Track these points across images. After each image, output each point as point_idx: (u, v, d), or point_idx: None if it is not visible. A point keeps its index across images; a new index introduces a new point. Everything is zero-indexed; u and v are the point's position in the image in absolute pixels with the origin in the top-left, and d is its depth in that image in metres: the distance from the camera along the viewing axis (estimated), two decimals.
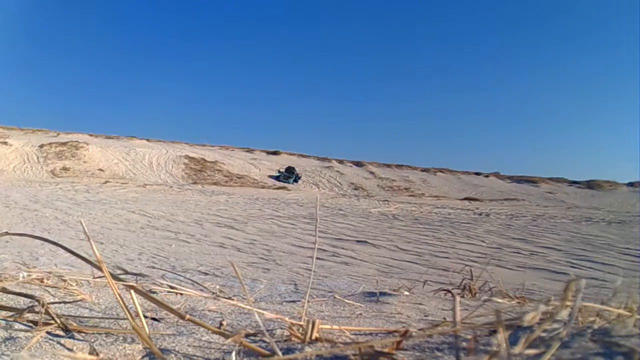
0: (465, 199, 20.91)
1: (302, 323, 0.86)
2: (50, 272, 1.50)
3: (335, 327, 0.92)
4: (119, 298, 0.80)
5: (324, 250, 6.21)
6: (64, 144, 23.34)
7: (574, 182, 29.11)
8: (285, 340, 0.87)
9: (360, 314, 1.28)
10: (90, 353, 0.82)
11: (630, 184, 28.73)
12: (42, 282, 1.34)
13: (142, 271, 3.85)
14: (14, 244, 5.07)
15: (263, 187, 21.03)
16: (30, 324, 0.94)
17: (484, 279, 1.85)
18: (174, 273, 4.13)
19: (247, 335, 0.93)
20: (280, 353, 0.69)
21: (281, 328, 0.99)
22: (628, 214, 15.65)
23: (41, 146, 22.72)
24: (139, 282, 1.50)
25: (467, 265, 4.49)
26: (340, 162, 29.68)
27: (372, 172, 27.90)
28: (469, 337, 0.79)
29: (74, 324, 0.94)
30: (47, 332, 0.89)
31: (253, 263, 5.18)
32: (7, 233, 1.13)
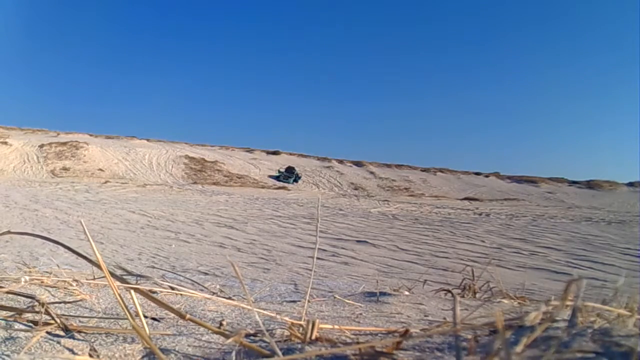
0: (465, 199, 20.92)
1: (302, 323, 0.86)
2: (50, 272, 1.50)
3: (335, 327, 0.92)
4: (119, 298, 0.80)
5: (324, 250, 6.21)
6: (64, 144, 23.35)
7: (574, 182, 29.12)
8: (285, 340, 0.87)
9: (361, 314, 1.28)
10: (90, 353, 0.82)
11: (630, 184, 28.73)
12: (42, 282, 1.34)
13: (142, 271, 3.86)
14: (14, 244, 5.07)
15: (263, 187, 21.04)
16: (30, 324, 0.94)
17: (484, 279, 1.85)
18: (174, 273, 4.13)
19: (247, 335, 0.93)
20: (280, 353, 0.69)
21: (281, 328, 0.99)
22: (628, 214, 15.66)
23: (41, 146, 22.72)
24: (138, 282, 1.50)
25: (467, 265, 4.49)
26: (340, 162, 29.68)
27: (372, 172, 27.91)
28: (469, 337, 0.79)
29: (74, 324, 0.94)
30: (47, 332, 0.89)
31: (253, 263, 5.18)
32: (10, 232, 1.13)
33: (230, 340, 0.75)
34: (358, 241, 7.24)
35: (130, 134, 29.09)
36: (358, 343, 0.83)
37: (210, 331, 0.93)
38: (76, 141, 23.99)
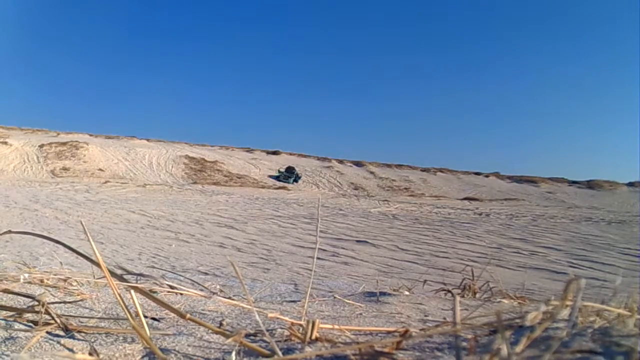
0: (465, 199, 20.92)
1: (302, 323, 0.86)
2: (50, 272, 1.50)
3: (335, 327, 0.92)
4: (119, 298, 0.80)
5: (324, 250, 6.21)
6: (64, 144, 23.34)
7: (574, 182, 29.11)
8: (285, 340, 0.87)
9: (361, 313, 1.28)
10: (90, 353, 0.82)
11: (630, 184, 28.72)
12: (42, 282, 1.34)
13: (142, 271, 3.84)
14: (14, 244, 5.07)
15: (263, 187, 21.03)
16: (30, 324, 0.94)
17: (484, 278, 1.85)
18: (174, 273, 4.13)
19: (247, 335, 0.93)
20: (280, 353, 0.69)
21: (281, 328, 0.99)
22: (628, 214, 15.66)
23: (41, 146, 22.72)
24: (139, 282, 1.50)
25: (467, 265, 4.49)
26: (340, 162, 29.68)
27: (372, 172, 27.91)
28: (469, 337, 0.79)
29: (74, 324, 0.94)
30: (47, 332, 0.89)
31: (253, 263, 5.18)
32: (10, 231, 1.13)
33: (230, 340, 0.75)
34: (358, 241, 7.23)
35: (130, 134, 29.10)
36: (358, 343, 0.83)
37: (210, 331, 0.93)
38: (76, 141, 23.99)
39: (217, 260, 5.16)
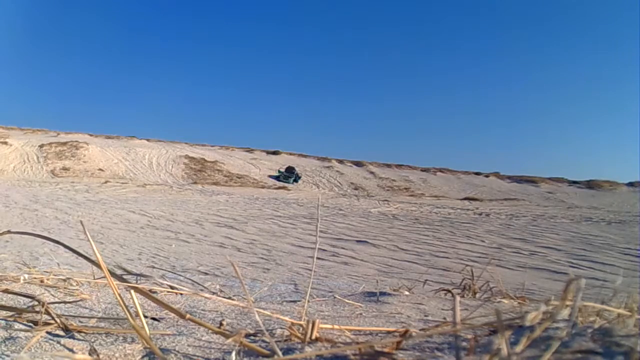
0: (465, 199, 20.92)
1: (302, 323, 0.86)
2: (50, 272, 1.50)
3: (335, 326, 0.92)
4: (119, 298, 0.80)
5: (324, 250, 6.20)
6: (64, 144, 23.35)
7: (574, 182, 29.14)
8: (285, 340, 0.87)
9: (361, 313, 1.28)
10: (90, 353, 0.82)
11: (630, 184, 28.75)
12: (42, 282, 1.34)
13: (142, 271, 3.85)
14: (14, 244, 5.07)
15: (263, 187, 21.03)
16: (30, 324, 0.94)
17: (484, 279, 1.85)
18: (174, 273, 4.13)
19: (247, 335, 0.93)
20: (280, 353, 0.69)
21: (281, 328, 0.99)
22: (628, 214, 15.66)
23: (41, 146, 22.72)
24: (139, 282, 1.50)
25: (467, 265, 4.49)
26: (340, 162, 29.69)
27: (372, 172, 27.90)
28: (469, 337, 0.79)
29: (74, 324, 0.94)
30: (47, 332, 0.89)
31: (253, 263, 5.18)
32: (9, 232, 1.13)
33: (230, 340, 0.75)
34: (358, 241, 7.23)
35: (130, 134, 29.14)
36: (358, 343, 0.83)
37: (210, 331, 0.93)
38: (76, 141, 23.99)
39: (217, 260, 5.16)
